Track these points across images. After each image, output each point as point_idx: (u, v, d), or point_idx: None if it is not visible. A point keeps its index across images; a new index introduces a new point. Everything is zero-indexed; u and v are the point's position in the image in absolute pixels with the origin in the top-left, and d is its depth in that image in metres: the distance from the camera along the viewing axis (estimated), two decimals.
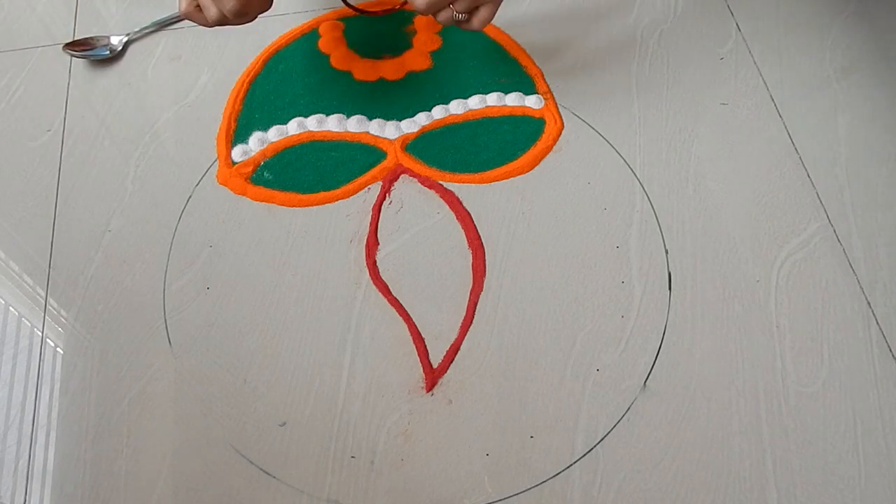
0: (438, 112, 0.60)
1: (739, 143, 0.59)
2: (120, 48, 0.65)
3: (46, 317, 0.51)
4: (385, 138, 0.59)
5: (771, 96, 0.61)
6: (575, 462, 0.45)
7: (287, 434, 0.47)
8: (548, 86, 0.62)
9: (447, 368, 0.49)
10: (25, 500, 0.45)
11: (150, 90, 0.63)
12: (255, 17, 0.50)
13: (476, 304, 0.51)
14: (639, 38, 0.65)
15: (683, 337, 0.50)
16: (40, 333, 0.51)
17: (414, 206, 0.56)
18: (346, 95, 0.62)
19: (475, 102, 0.61)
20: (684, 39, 0.65)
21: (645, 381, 0.48)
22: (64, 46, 0.64)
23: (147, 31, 0.67)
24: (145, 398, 0.48)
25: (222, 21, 0.49)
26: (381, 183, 0.57)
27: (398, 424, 0.47)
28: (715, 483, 0.44)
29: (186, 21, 0.67)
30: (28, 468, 0.46)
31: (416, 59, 0.64)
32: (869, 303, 0.51)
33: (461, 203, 0.56)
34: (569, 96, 0.61)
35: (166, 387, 0.48)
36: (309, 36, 0.66)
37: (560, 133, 0.59)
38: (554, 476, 0.45)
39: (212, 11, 0.48)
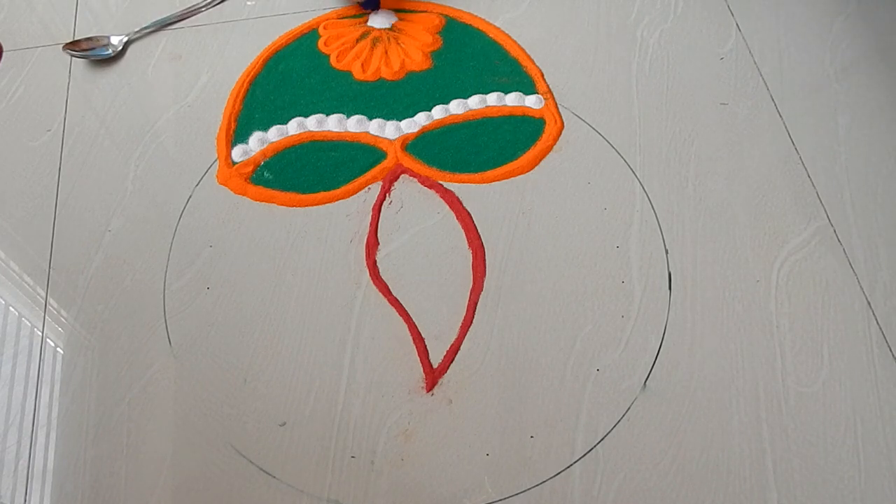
0: (438, 112, 0.60)
1: (739, 143, 0.59)
2: (120, 48, 0.65)
3: (46, 317, 0.51)
4: (385, 138, 0.59)
5: (771, 96, 0.61)
6: (575, 462, 0.45)
7: (287, 434, 0.47)
8: (548, 86, 0.62)
9: (447, 368, 0.49)
10: (25, 500, 0.45)
11: (150, 90, 0.63)
12: None
13: (476, 304, 0.51)
14: (639, 38, 0.65)
15: (683, 337, 0.50)
16: (40, 333, 0.51)
17: (414, 206, 0.56)
18: (346, 95, 0.62)
19: (475, 102, 0.61)
20: (684, 39, 0.65)
21: (645, 381, 0.48)
22: (64, 46, 0.64)
23: (147, 31, 0.67)
24: (145, 398, 0.48)
25: None
26: (381, 183, 0.57)
27: (398, 424, 0.47)
28: (715, 483, 0.44)
29: (186, 21, 0.67)
30: (28, 468, 0.46)
31: (416, 59, 0.64)
32: (869, 303, 0.51)
33: (461, 203, 0.56)
34: (569, 96, 0.61)
35: (166, 387, 0.48)
36: (309, 36, 0.66)
37: (560, 133, 0.59)
38: (554, 476, 0.45)
39: None
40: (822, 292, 0.51)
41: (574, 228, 0.54)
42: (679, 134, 0.59)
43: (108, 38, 0.66)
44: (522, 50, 0.64)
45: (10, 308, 0.52)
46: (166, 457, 0.46)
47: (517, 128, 0.59)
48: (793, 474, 0.45)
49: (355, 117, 0.60)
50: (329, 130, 0.60)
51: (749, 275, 0.52)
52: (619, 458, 0.45)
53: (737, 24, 0.66)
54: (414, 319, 0.51)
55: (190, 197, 0.57)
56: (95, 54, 0.64)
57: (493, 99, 0.61)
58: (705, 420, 0.46)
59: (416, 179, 0.57)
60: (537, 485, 0.45)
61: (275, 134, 0.59)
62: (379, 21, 0.66)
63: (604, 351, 0.49)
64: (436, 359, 0.49)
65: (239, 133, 0.60)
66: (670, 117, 0.60)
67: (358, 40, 0.65)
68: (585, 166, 0.57)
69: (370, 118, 0.60)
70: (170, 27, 0.67)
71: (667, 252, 0.53)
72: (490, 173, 0.57)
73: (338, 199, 0.56)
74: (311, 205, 0.56)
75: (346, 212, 0.56)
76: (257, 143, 0.59)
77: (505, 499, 0.44)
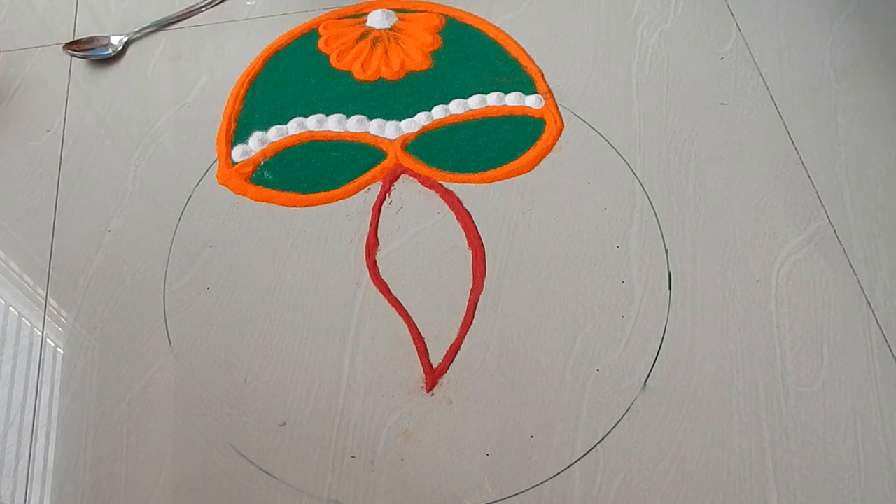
0: (438, 112, 0.60)
1: (739, 143, 0.59)
2: (120, 48, 0.65)
3: (46, 317, 0.51)
4: (385, 138, 0.59)
5: (771, 96, 0.61)
6: (575, 462, 0.45)
7: (287, 434, 0.47)
8: (548, 86, 0.62)
9: (447, 368, 0.49)
10: (25, 500, 0.45)
11: (150, 90, 0.63)
12: None
13: (476, 304, 0.51)
14: (639, 38, 0.65)
15: (683, 337, 0.50)
16: (40, 333, 0.51)
17: (414, 206, 0.56)
18: (346, 95, 0.62)
19: (475, 102, 0.61)
20: (684, 39, 0.65)
21: (645, 381, 0.48)
22: (64, 46, 0.64)
23: (147, 31, 0.67)
24: (145, 398, 0.48)
25: None
26: (381, 183, 0.57)
27: (398, 424, 0.47)
28: (715, 483, 0.44)
29: (186, 21, 0.67)
30: (28, 468, 0.46)
31: (416, 59, 0.64)
32: (869, 303, 0.51)
33: (461, 203, 0.56)
34: (569, 96, 0.61)
35: (166, 387, 0.48)
36: (309, 36, 0.66)
37: (560, 133, 0.59)
38: (554, 476, 0.45)
39: None
40: (822, 292, 0.51)
41: (574, 228, 0.54)
42: (679, 134, 0.59)
43: (108, 38, 0.66)
44: (522, 50, 0.64)
45: (10, 308, 0.52)
46: (166, 457, 0.46)
47: (517, 128, 0.59)
48: (793, 474, 0.45)
49: (355, 117, 0.60)
50: (329, 130, 0.60)
51: (749, 275, 0.52)
52: (619, 458, 0.45)
53: (737, 24, 0.66)
54: (414, 319, 0.51)
55: (190, 197, 0.57)
56: (95, 54, 0.64)
57: (493, 99, 0.61)
58: (705, 420, 0.46)
59: (416, 179, 0.57)
60: (537, 485, 0.45)
61: (275, 134, 0.59)
62: (379, 21, 0.66)
63: (604, 351, 0.49)
64: (436, 359, 0.49)
65: (239, 133, 0.60)
66: (670, 117, 0.60)
67: (358, 40, 0.65)
68: (585, 166, 0.57)
69: (370, 118, 0.60)
70: (170, 27, 0.67)
71: (667, 252, 0.53)
72: (490, 173, 0.57)
73: (338, 199, 0.56)
74: (311, 205, 0.56)
75: (346, 212, 0.56)
76: (257, 143, 0.59)
77: (505, 499, 0.44)
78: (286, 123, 0.60)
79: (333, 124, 0.60)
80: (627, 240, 0.54)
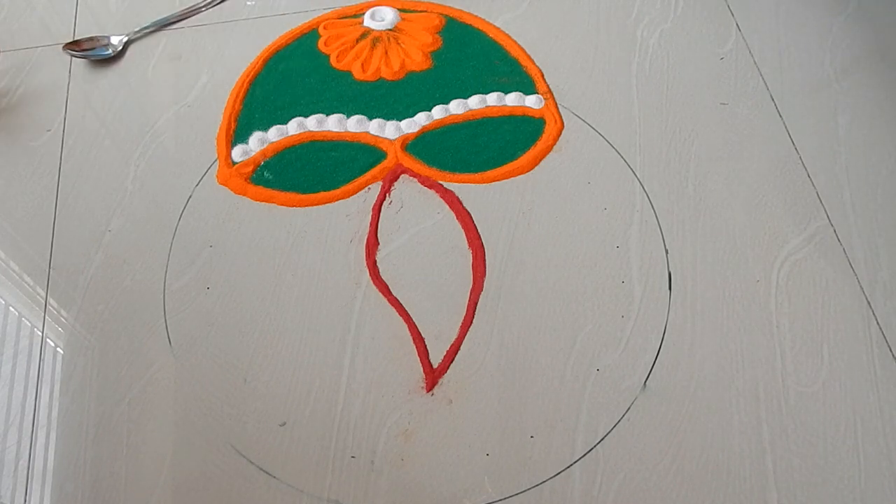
0: (438, 112, 0.60)
1: (739, 143, 0.59)
2: (120, 48, 0.65)
3: (46, 317, 0.51)
4: (385, 138, 0.59)
5: (771, 96, 0.61)
6: (575, 462, 0.45)
7: (287, 434, 0.47)
8: (548, 86, 0.62)
9: (447, 368, 0.49)
10: (25, 500, 0.45)
11: (150, 90, 0.63)
12: None
13: (476, 304, 0.51)
14: (639, 38, 0.65)
15: (683, 337, 0.50)
16: (40, 333, 0.51)
17: (414, 206, 0.56)
18: (346, 95, 0.62)
19: (475, 102, 0.61)
20: (684, 39, 0.65)
21: (645, 381, 0.48)
22: (64, 46, 0.64)
23: (147, 31, 0.67)
24: (145, 398, 0.48)
25: None
26: (381, 183, 0.57)
27: (398, 424, 0.47)
28: (715, 483, 0.44)
29: (186, 21, 0.67)
30: (28, 468, 0.46)
31: (416, 59, 0.64)
32: (869, 303, 0.51)
33: (461, 203, 0.56)
34: (569, 96, 0.61)
35: (166, 387, 0.48)
36: (309, 36, 0.66)
37: (560, 133, 0.59)
38: (554, 476, 0.45)
39: None
40: (822, 292, 0.51)
41: (574, 228, 0.54)
42: (679, 134, 0.59)
43: (108, 38, 0.66)
44: (522, 50, 0.64)
45: (10, 308, 0.52)
46: (166, 457, 0.46)
47: (517, 128, 0.59)
48: (793, 474, 0.45)
49: (355, 117, 0.60)
50: (329, 130, 0.60)
51: (749, 275, 0.52)
52: (619, 458, 0.45)
53: (737, 24, 0.66)
54: (414, 319, 0.51)
55: (190, 197, 0.57)
56: (95, 54, 0.64)
57: (493, 99, 0.61)
58: (705, 420, 0.46)
59: (416, 179, 0.57)
60: (537, 485, 0.45)
61: (275, 134, 0.59)
62: (379, 23, 0.66)
63: (604, 351, 0.49)
64: (436, 359, 0.49)
65: (239, 133, 0.60)
66: (670, 117, 0.60)
67: (358, 40, 0.65)
68: (585, 166, 0.57)
69: (370, 118, 0.60)
70: (170, 27, 0.67)
71: (667, 252, 0.53)
72: (490, 173, 0.57)
73: (338, 199, 0.56)
74: (311, 205, 0.56)
75: (346, 212, 0.56)
76: (257, 143, 0.59)
77: (505, 499, 0.44)
78: (286, 123, 0.60)
79: (333, 124, 0.60)
80: (627, 240, 0.54)
